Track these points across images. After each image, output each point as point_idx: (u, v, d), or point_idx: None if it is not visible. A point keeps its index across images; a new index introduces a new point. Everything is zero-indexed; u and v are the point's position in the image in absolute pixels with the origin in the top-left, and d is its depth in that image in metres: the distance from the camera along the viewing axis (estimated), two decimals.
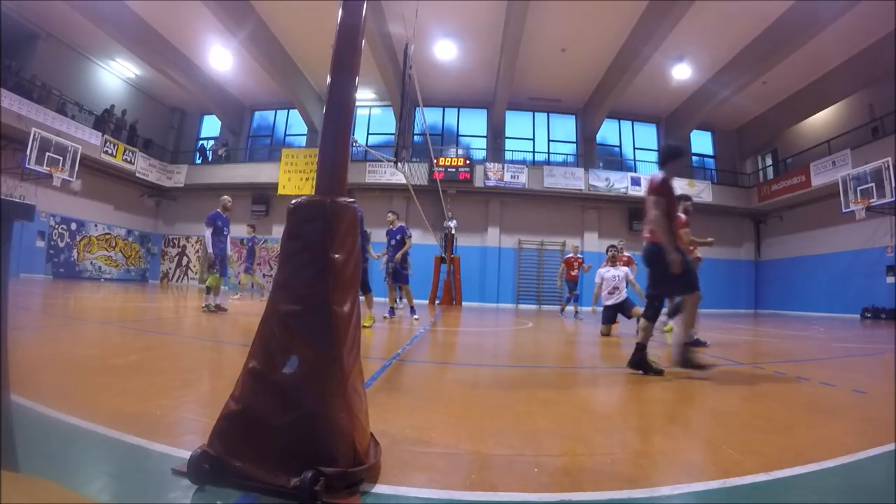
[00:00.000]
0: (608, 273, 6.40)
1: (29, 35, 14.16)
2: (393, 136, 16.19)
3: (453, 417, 1.98)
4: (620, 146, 19.18)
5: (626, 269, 6.52)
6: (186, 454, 1.17)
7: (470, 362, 3.87)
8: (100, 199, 16.66)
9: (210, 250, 6.87)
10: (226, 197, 7.33)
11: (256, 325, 1.34)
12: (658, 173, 3.40)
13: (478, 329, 7.06)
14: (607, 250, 6.80)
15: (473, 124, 18.94)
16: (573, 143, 18.91)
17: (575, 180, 16.89)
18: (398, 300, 7.93)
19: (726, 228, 18.40)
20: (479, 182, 16.77)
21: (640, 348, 3.19)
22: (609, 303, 6.21)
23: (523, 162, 17.90)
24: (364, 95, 17.85)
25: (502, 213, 17.59)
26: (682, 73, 15.09)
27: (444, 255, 14.78)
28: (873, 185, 11.90)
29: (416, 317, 7.45)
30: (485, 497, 1.20)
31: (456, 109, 19.03)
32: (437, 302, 14.68)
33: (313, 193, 1.43)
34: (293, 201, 1.41)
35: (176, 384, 2.29)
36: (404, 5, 8.11)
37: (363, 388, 1.40)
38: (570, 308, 10.59)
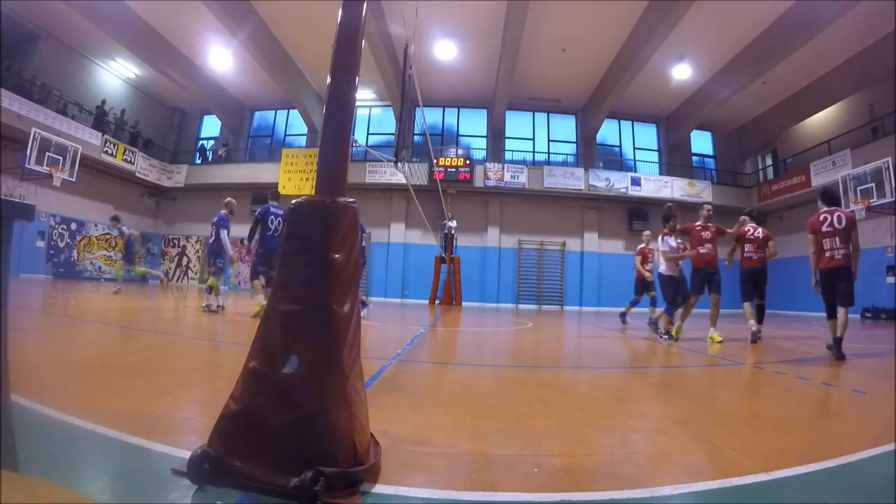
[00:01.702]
0: (673, 242, 5.98)
1: (29, 35, 14.15)
2: (393, 136, 16.19)
3: (453, 417, 1.98)
4: (620, 146, 19.18)
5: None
6: (186, 454, 1.17)
7: (470, 362, 3.87)
8: (100, 199, 16.64)
9: (230, 252, 7.30)
10: (231, 199, 7.54)
11: (256, 325, 1.34)
12: (847, 210, 4.92)
13: (478, 329, 7.06)
14: (669, 220, 6.02)
15: (473, 124, 18.94)
16: (573, 143, 18.91)
17: (575, 180, 16.89)
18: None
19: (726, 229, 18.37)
20: (479, 182, 16.77)
21: (839, 340, 4.29)
22: (672, 274, 5.93)
23: (523, 162, 17.90)
24: (364, 95, 17.85)
25: (502, 213, 17.59)
26: (682, 73, 15.09)
27: (444, 255, 14.78)
28: (873, 185, 11.89)
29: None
30: (485, 497, 1.20)
31: (456, 109, 19.02)
32: (437, 302, 14.68)
33: (313, 193, 1.43)
34: (293, 201, 1.41)
35: (176, 384, 2.29)
36: (404, 5, 8.12)
37: (363, 388, 1.40)
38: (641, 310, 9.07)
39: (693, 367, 4.08)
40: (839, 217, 4.50)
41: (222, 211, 7.14)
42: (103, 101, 16.75)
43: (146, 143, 18.12)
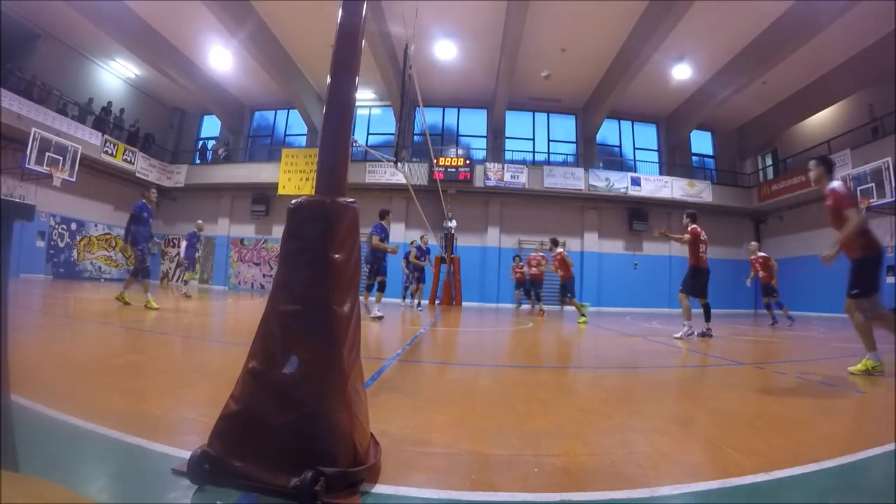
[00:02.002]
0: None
1: (29, 35, 14.15)
2: (393, 136, 16.19)
3: (453, 417, 1.99)
4: (620, 146, 19.18)
5: None
6: (186, 454, 1.17)
7: (470, 362, 3.87)
8: (100, 199, 16.65)
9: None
10: (200, 222, 10.80)
11: (256, 325, 1.34)
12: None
13: (478, 329, 7.05)
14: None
15: (473, 124, 18.93)
16: (573, 143, 18.91)
17: (575, 180, 16.89)
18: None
19: (726, 228, 18.37)
20: (479, 182, 16.77)
21: None
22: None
23: (523, 162, 17.90)
24: (364, 95, 17.85)
25: (502, 213, 17.58)
26: (682, 73, 15.09)
27: (444, 255, 14.78)
28: (873, 185, 11.90)
29: None
30: (485, 497, 1.20)
31: (456, 109, 19.02)
32: (437, 302, 14.68)
33: (313, 193, 1.43)
34: (293, 201, 1.41)
35: (176, 384, 2.29)
36: (404, 5, 8.13)
37: (363, 388, 1.40)
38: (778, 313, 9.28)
39: (693, 367, 4.08)
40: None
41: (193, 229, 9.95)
42: (109, 103, 16.78)
43: (147, 137, 18.08)
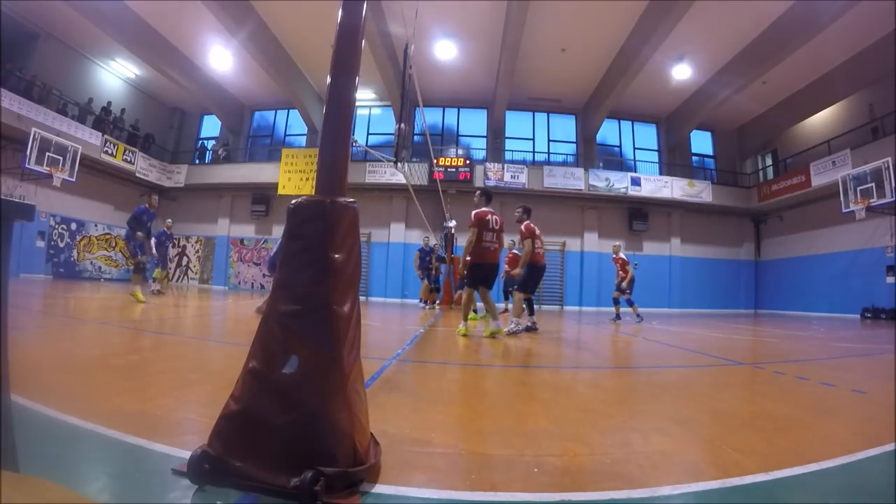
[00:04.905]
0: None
1: (29, 35, 14.15)
2: (393, 136, 16.18)
3: (453, 417, 1.99)
4: (620, 146, 19.17)
5: None
6: (186, 454, 1.17)
7: (470, 362, 3.87)
8: (100, 199, 16.64)
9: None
10: (169, 221, 11.51)
11: (256, 325, 1.34)
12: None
13: (478, 329, 7.05)
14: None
15: (473, 124, 18.92)
16: (573, 143, 18.89)
17: (575, 180, 16.88)
18: None
19: (726, 228, 18.39)
20: (479, 182, 16.75)
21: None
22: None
23: (523, 162, 17.88)
24: (364, 95, 17.84)
25: (502, 213, 17.47)
26: (682, 73, 15.08)
27: (444, 256, 14.77)
28: (873, 185, 11.90)
29: None
30: (485, 497, 1.20)
31: (456, 109, 19.00)
32: (437, 302, 14.66)
33: (313, 193, 1.43)
34: (293, 201, 1.41)
35: (176, 384, 2.29)
36: (404, 5, 8.12)
37: (363, 388, 1.40)
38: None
39: (692, 367, 4.08)
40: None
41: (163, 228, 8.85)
42: (109, 103, 16.78)
43: (147, 138, 18.08)
